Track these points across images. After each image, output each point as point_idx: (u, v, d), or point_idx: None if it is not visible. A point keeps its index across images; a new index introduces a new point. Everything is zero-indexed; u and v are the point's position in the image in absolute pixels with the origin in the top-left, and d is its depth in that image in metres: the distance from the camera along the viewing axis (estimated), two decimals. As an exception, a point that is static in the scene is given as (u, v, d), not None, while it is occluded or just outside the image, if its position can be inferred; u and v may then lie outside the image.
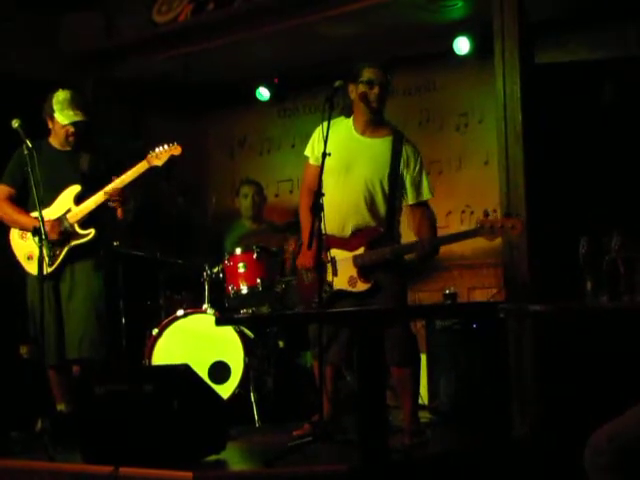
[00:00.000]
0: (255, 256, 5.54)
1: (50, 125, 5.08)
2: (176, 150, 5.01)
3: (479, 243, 6.18)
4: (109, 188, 4.92)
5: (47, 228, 4.85)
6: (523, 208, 5.30)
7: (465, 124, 6.44)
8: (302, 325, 5.00)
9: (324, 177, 4.45)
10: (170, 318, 5.53)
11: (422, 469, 4.01)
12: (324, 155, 4.31)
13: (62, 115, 4.97)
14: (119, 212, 5.01)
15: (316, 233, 4.26)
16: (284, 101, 7.21)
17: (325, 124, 4.39)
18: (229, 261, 5.59)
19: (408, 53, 6.28)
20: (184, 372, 4.07)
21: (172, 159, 5.04)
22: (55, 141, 5.11)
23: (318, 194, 4.24)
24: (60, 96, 4.99)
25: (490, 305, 4.13)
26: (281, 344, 5.88)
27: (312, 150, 4.74)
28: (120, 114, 6.68)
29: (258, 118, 7.40)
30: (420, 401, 5.08)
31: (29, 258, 4.99)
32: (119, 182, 4.93)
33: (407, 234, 4.77)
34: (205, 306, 5.58)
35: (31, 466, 4.26)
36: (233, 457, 4.13)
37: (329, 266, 4.55)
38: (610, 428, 2.26)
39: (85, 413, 4.09)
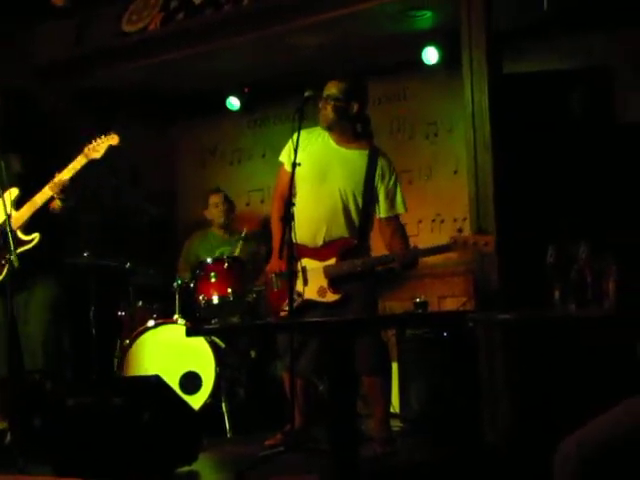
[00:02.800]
0: (226, 266, 5.53)
1: None
2: (113, 140, 4.82)
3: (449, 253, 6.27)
4: (54, 182, 4.76)
5: None
6: (492, 217, 5.33)
7: (435, 133, 6.48)
8: (273, 334, 5.00)
9: (298, 185, 4.47)
10: (141, 329, 5.52)
11: (393, 478, 4.01)
12: (294, 165, 4.33)
13: None
14: (58, 207, 4.84)
15: (286, 242, 4.26)
16: (254, 111, 7.22)
17: (301, 133, 4.38)
18: (200, 270, 5.58)
19: (378, 62, 6.31)
20: (155, 383, 4.05)
21: (110, 149, 4.80)
22: None
23: (288, 204, 4.24)
24: None
25: (459, 314, 4.14)
26: (253, 354, 5.89)
27: (288, 156, 4.69)
28: (88, 124, 6.64)
29: (229, 128, 7.41)
30: (391, 410, 5.08)
31: None
32: (64, 175, 4.77)
33: (377, 247, 4.78)
34: (176, 316, 5.57)
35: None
36: (205, 468, 4.12)
37: (300, 275, 4.56)
38: (579, 434, 2.27)
39: (54, 425, 4.04)
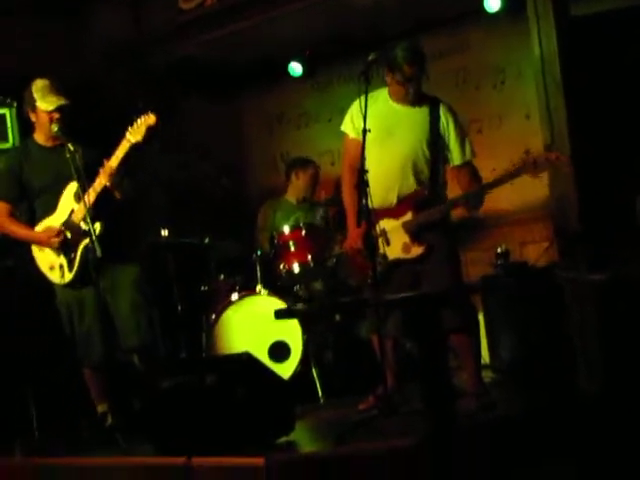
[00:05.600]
0: (304, 233, 5.55)
1: (33, 118, 4.92)
2: (150, 119, 4.72)
3: (527, 197, 6.21)
4: (106, 171, 4.74)
5: (44, 238, 4.85)
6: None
7: (502, 81, 6.36)
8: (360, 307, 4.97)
9: (365, 151, 4.45)
10: (225, 303, 5.57)
11: (490, 433, 4.00)
12: (364, 132, 4.30)
13: (45, 102, 4.81)
14: (116, 194, 4.84)
15: (364, 210, 4.25)
16: (318, 74, 7.18)
17: (362, 99, 4.37)
18: (278, 240, 5.60)
19: (438, 15, 6.20)
20: (245, 360, 4.10)
21: (152, 130, 4.71)
22: (40, 137, 4.96)
23: (362, 171, 4.22)
24: (39, 84, 4.85)
25: (547, 272, 4.04)
26: (337, 317, 5.89)
27: (351, 125, 4.71)
28: (156, 102, 6.69)
29: (293, 93, 7.37)
30: (482, 361, 5.06)
31: (51, 268, 4.93)
32: (112, 163, 4.74)
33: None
34: (258, 287, 5.60)
35: (106, 462, 4.30)
36: (302, 437, 4.16)
37: (381, 239, 4.56)
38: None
39: (152, 407, 4.13)
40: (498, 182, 4.47)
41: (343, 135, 4.82)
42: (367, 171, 4.24)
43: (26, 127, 5.18)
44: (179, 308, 5.93)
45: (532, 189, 5.94)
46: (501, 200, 6.19)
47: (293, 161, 6.57)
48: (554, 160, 4.36)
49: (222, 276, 5.97)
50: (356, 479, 3.58)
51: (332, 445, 3.93)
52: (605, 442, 3.51)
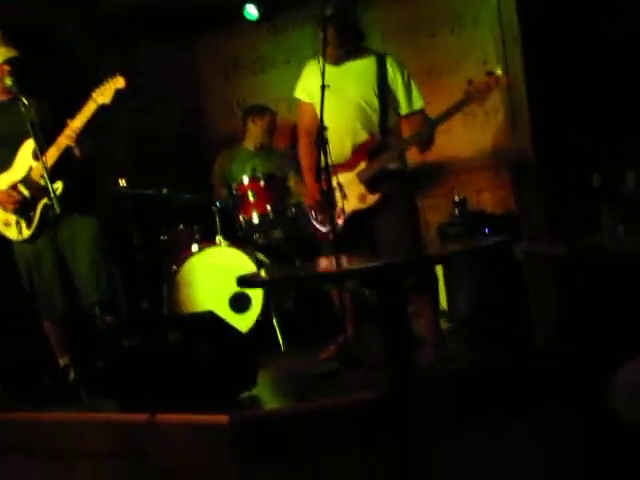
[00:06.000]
0: (262, 184, 5.55)
1: None
2: (119, 82, 4.70)
3: (485, 144, 6.26)
4: (70, 131, 4.70)
5: (2, 199, 4.81)
6: (525, 109, 5.29)
7: (459, 26, 6.33)
8: (315, 246, 5.01)
9: (318, 106, 4.46)
10: (185, 254, 5.58)
11: (448, 384, 4.09)
12: (323, 87, 4.29)
13: None
14: (77, 151, 4.82)
15: (322, 166, 4.26)
16: (273, 18, 7.10)
17: (311, 62, 4.60)
18: (237, 190, 5.60)
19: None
20: (208, 319, 4.14)
21: (119, 92, 4.72)
22: None
23: (321, 128, 4.23)
24: None
25: (506, 245, 4.02)
26: (297, 262, 5.91)
27: (302, 89, 4.80)
28: (108, 51, 6.57)
29: (249, 37, 7.28)
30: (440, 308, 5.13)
31: (6, 224, 4.90)
32: (76, 123, 4.70)
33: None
34: (218, 238, 5.62)
35: (71, 418, 4.35)
36: (264, 392, 4.22)
37: (337, 193, 4.57)
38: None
39: (115, 365, 4.16)
40: (445, 115, 4.47)
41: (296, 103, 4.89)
42: (326, 128, 4.24)
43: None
44: (139, 259, 5.94)
45: (488, 136, 6.01)
46: (458, 147, 6.26)
47: (249, 108, 6.54)
48: (494, 83, 4.41)
49: (181, 226, 5.97)
50: (318, 434, 3.68)
51: (294, 401, 4.00)
52: (559, 394, 3.61)
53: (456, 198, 5.83)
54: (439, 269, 5.53)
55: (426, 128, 4.51)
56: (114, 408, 4.19)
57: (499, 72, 4.35)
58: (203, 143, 7.42)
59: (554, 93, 5.24)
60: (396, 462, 3.05)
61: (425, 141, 4.59)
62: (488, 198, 6.16)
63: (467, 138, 6.32)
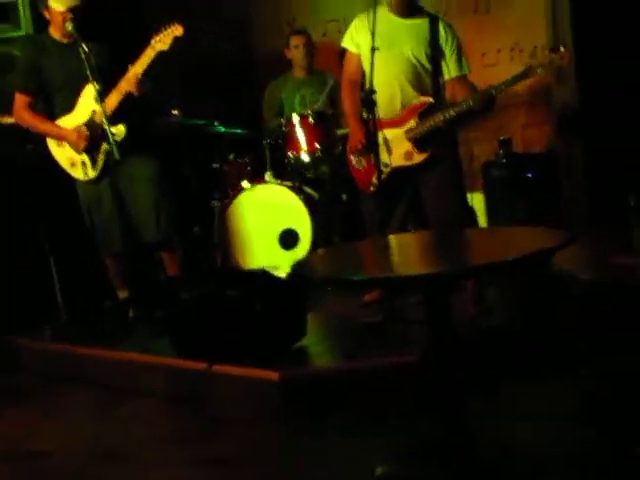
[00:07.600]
0: (312, 121, 5.67)
1: (48, 16, 5.03)
2: (178, 31, 4.83)
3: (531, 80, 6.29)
4: (131, 76, 4.89)
5: (73, 138, 5.02)
6: (570, 40, 5.35)
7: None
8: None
9: (366, 63, 4.54)
10: (236, 189, 5.77)
11: (489, 343, 4.27)
12: (373, 50, 4.38)
13: (58, 2, 4.91)
14: (136, 93, 4.95)
15: (369, 123, 4.38)
16: None
17: (362, 16, 4.63)
18: (286, 127, 5.72)
19: None
20: (262, 276, 4.38)
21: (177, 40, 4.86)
22: (57, 33, 5.05)
23: (370, 91, 4.32)
24: None
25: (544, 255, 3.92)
26: (344, 197, 6.08)
27: (351, 41, 4.82)
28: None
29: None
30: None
31: (72, 164, 5.12)
32: (136, 69, 4.88)
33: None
34: (267, 175, 5.78)
35: (128, 357, 4.62)
36: (313, 343, 4.44)
37: (382, 146, 4.63)
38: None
39: (174, 316, 4.41)
40: (504, 86, 4.51)
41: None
42: (375, 91, 4.34)
43: (40, 18, 5.22)
44: (193, 184, 6.13)
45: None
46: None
47: (291, 32, 6.65)
48: (558, 60, 4.46)
49: (232, 155, 6.13)
50: (363, 393, 3.94)
51: (341, 360, 4.25)
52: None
53: (501, 137, 5.91)
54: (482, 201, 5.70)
55: (484, 97, 4.51)
56: (170, 352, 4.44)
57: (562, 49, 4.38)
58: (253, 63, 7.48)
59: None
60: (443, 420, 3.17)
61: (485, 107, 4.58)
62: (532, 134, 6.23)
63: (514, 72, 6.36)
